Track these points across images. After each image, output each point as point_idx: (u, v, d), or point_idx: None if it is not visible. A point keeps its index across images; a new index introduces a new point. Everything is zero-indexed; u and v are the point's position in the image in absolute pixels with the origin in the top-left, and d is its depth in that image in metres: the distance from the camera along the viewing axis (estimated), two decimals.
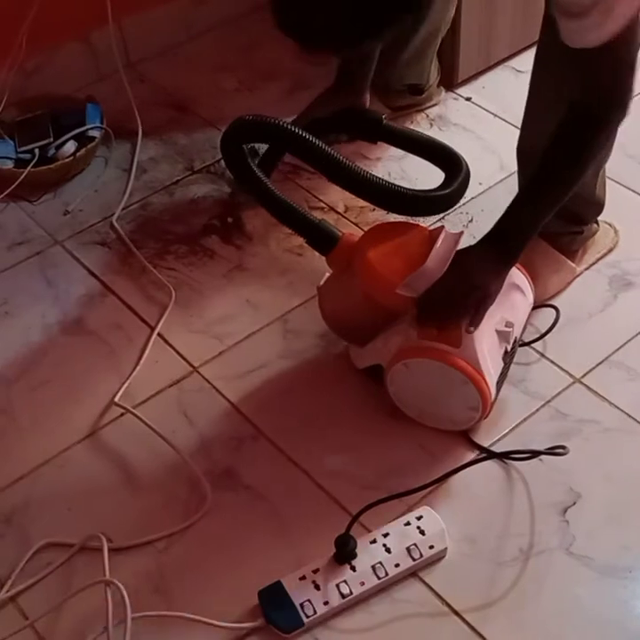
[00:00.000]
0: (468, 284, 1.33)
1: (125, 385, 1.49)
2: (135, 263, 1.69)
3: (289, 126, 1.46)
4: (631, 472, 1.37)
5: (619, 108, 1.27)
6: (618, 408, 1.43)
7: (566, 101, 1.28)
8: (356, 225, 1.73)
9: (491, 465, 1.36)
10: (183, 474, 1.38)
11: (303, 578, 1.23)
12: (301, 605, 1.21)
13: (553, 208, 1.34)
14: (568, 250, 1.60)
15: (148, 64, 2.08)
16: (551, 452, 1.34)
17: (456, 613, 1.23)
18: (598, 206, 1.60)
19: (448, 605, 1.24)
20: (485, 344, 1.35)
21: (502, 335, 1.39)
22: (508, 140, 1.71)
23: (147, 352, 1.54)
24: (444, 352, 1.33)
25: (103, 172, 1.86)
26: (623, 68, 1.24)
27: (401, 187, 1.49)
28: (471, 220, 1.73)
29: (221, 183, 1.81)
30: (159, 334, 1.57)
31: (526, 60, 1.93)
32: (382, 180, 1.48)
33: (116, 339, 1.57)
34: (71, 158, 1.80)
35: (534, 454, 1.35)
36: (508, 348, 1.41)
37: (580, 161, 1.31)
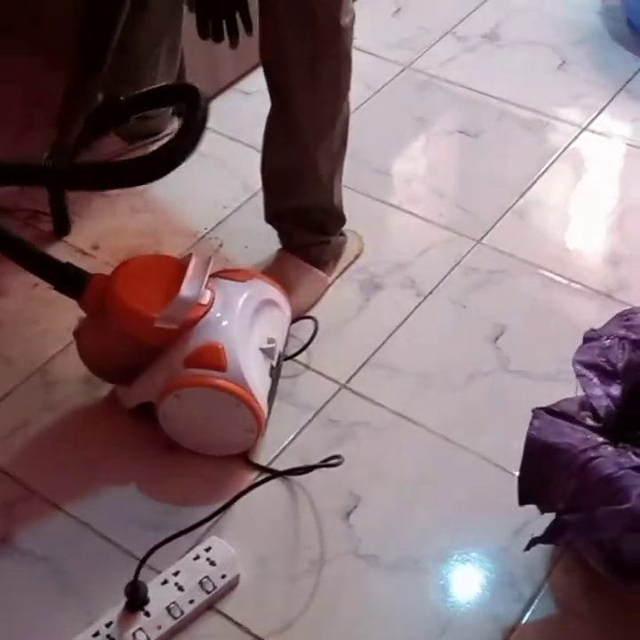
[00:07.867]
0: None
1: None
2: None
3: None
4: (405, 468, 1.41)
5: None
6: (385, 407, 1.48)
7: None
8: (107, 263, 1.69)
9: (272, 483, 1.37)
10: None
11: (97, 634, 1.19)
12: None
13: None
14: (319, 261, 1.64)
15: None
16: (327, 464, 1.36)
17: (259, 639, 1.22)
18: (339, 215, 1.65)
19: (249, 633, 1.23)
20: (251, 364, 1.36)
21: (266, 352, 1.41)
22: (246, 161, 1.74)
23: None
24: (213, 377, 1.33)
25: None
26: None
27: None
28: (221, 245, 1.73)
29: None
30: None
31: (253, 82, 1.98)
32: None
33: None
34: None
35: (310, 469, 1.36)
36: (274, 364, 1.42)
37: None
